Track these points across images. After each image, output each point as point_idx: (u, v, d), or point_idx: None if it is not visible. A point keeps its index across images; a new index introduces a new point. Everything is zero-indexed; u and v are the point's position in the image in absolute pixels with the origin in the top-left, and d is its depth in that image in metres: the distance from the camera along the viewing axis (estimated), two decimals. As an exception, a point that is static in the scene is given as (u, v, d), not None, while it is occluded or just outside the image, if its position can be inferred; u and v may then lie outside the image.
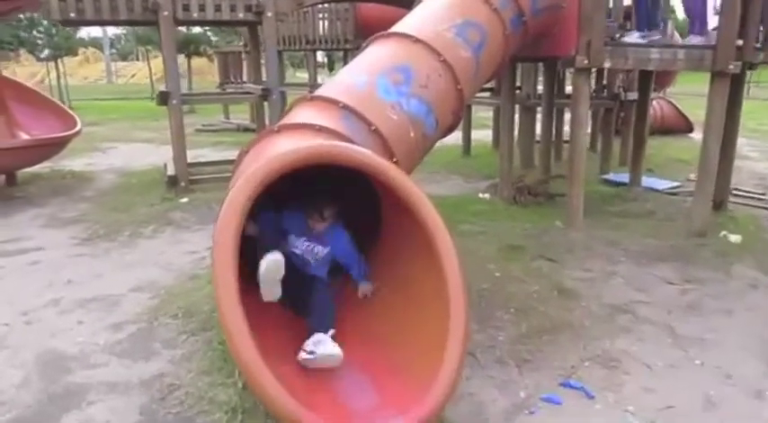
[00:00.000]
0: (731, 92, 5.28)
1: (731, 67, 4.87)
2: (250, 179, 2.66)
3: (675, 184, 7.75)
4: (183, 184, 6.97)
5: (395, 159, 3.58)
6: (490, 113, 11.24)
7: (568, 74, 11.23)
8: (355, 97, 3.72)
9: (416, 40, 4.16)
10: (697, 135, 12.31)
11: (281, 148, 3.01)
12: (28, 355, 3.31)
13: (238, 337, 2.29)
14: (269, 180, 2.70)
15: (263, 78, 8.09)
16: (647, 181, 7.62)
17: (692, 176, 8.24)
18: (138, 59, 39.27)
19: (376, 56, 4.23)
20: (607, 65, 5.21)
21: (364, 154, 2.91)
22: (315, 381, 2.67)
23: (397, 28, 4.43)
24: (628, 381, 3.14)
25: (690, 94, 18.02)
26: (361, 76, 3.98)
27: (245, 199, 2.60)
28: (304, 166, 2.84)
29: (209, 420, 2.72)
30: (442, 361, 2.53)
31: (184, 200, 6.64)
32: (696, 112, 13.41)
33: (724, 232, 5.55)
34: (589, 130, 9.43)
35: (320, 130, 3.39)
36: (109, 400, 2.89)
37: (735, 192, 6.91)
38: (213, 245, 2.56)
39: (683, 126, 12.64)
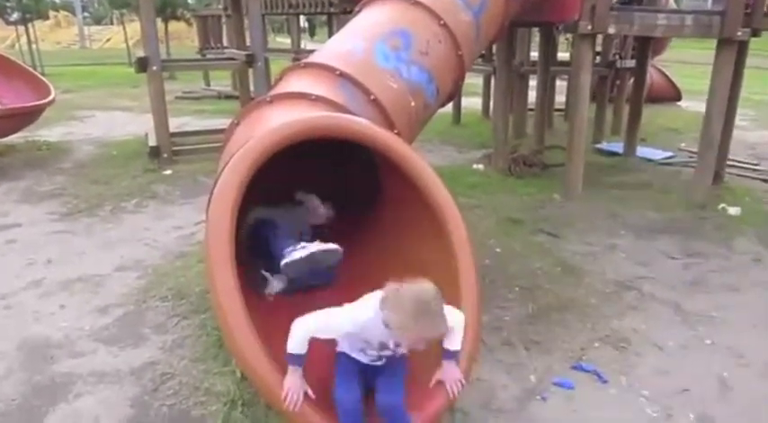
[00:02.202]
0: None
1: (739, 33, 4.70)
2: (246, 155, 2.45)
3: (669, 153, 7.66)
4: (165, 155, 6.68)
5: (396, 131, 3.37)
6: (478, 80, 10.98)
7: (562, 40, 11.04)
8: (352, 64, 3.48)
9: (415, 3, 3.91)
10: (685, 103, 12.24)
11: (277, 120, 2.80)
12: (9, 343, 3.10)
13: (237, 332, 2.12)
14: (266, 155, 2.49)
15: (247, 43, 7.75)
16: (641, 151, 7.52)
17: (684, 146, 8.17)
18: (112, 23, 37.95)
19: (372, 20, 3.97)
20: (612, 31, 5.00)
21: (369, 127, 2.72)
22: (320, 373, 2.51)
23: (393, -10, 4.16)
24: (639, 363, 3.05)
25: (675, 62, 17.94)
26: (357, 42, 3.73)
27: (243, 174, 2.39)
28: (303, 139, 2.64)
29: (206, 413, 2.56)
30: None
31: (168, 172, 6.38)
32: (683, 79, 13.32)
33: (723, 205, 5.47)
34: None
35: (317, 99, 3.16)
36: (98, 392, 2.71)
37: (729, 162, 6.83)
38: (207, 228, 2.37)
39: (672, 94, 12.51)
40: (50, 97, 7.34)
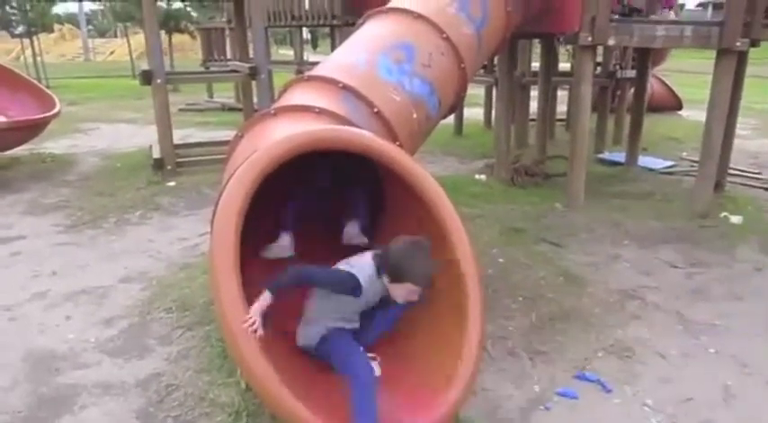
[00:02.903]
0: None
1: (738, 44, 4.73)
2: (251, 166, 2.47)
3: (670, 163, 7.68)
4: (169, 167, 6.71)
5: (398, 143, 3.40)
6: (480, 91, 11.04)
7: (562, 50, 11.10)
8: (356, 77, 3.52)
9: (418, 16, 3.95)
10: (686, 112, 12.28)
11: (281, 133, 2.82)
12: (14, 355, 3.12)
13: (242, 343, 2.14)
14: (272, 167, 2.52)
15: (250, 56, 7.81)
16: (642, 160, 7.54)
17: (686, 155, 8.20)
18: (116, 36, 38.25)
19: (375, 33, 4.02)
20: (611, 42, 5.04)
21: (372, 139, 2.75)
22: (324, 380, 2.52)
23: (395, 3, 4.22)
24: (643, 372, 3.05)
25: (676, 71, 18.02)
26: (360, 55, 3.77)
27: (248, 185, 2.41)
28: (308, 151, 2.66)
29: (211, 424, 2.57)
30: (458, 356, 2.42)
31: (172, 184, 6.41)
32: (683, 89, 13.37)
33: (725, 213, 5.48)
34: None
35: (320, 112, 3.19)
36: (103, 404, 2.72)
37: (731, 171, 6.84)
38: (212, 240, 2.39)
39: (672, 104, 12.55)
40: (55, 110, 7.38)
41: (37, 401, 2.74)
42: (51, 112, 7.31)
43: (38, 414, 2.66)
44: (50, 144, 8.43)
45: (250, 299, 2.27)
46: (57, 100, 7.66)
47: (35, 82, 8.78)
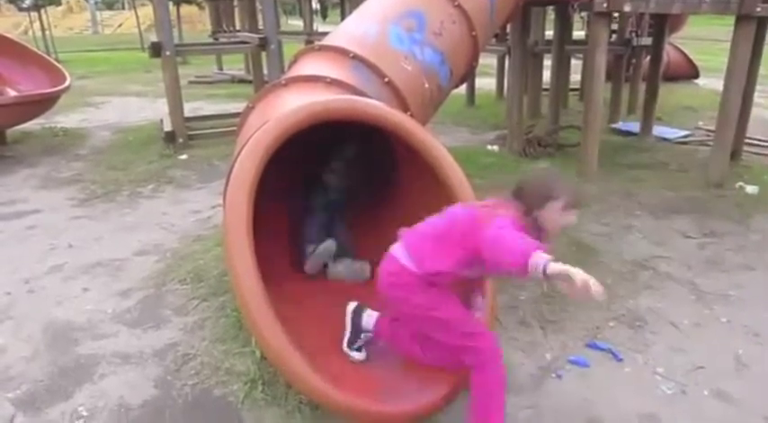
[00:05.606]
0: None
1: (758, 9, 4.61)
2: (263, 138, 2.48)
3: (686, 132, 7.57)
4: (181, 139, 6.73)
5: (409, 113, 3.38)
6: (492, 60, 10.89)
7: (577, 18, 10.89)
8: (366, 47, 3.50)
9: (429, -16, 3.90)
10: (703, 81, 12.06)
11: (292, 104, 2.81)
12: (34, 326, 3.18)
13: (257, 313, 2.16)
14: (283, 138, 2.52)
15: (259, 26, 7.74)
16: (657, 130, 7.44)
17: (702, 124, 8.07)
18: (124, 8, 38.00)
19: (385, 1, 3.98)
20: (627, 8, 4.93)
21: (384, 110, 2.73)
22: (336, 348, 2.55)
23: (406, -30, 4.14)
24: (655, 341, 3.06)
25: (694, 39, 17.62)
26: (371, 24, 3.74)
27: (260, 156, 2.41)
28: (319, 122, 2.65)
29: (228, 392, 2.62)
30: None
31: (183, 156, 6.43)
32: (700, 57, 13.10)
33: (740, 183, 5.42)
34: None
35: (331, 82, 3.18)
36: (122, 373, 2.78)
37: (747, 140, 6.72)
38: (225, 211, 2.40)
39: (689, 72, 12.32)
40: (66, 84, 7.38)
41: (58, 371, 2.81)
42: (62, 86, 7.31)
43: (59, 383, 2.72)
44: (62, 118, 8.46)
45: (265, 272, 2.28)
46: (67, 74, 7.65)
47: (45, 56, 8.76)
